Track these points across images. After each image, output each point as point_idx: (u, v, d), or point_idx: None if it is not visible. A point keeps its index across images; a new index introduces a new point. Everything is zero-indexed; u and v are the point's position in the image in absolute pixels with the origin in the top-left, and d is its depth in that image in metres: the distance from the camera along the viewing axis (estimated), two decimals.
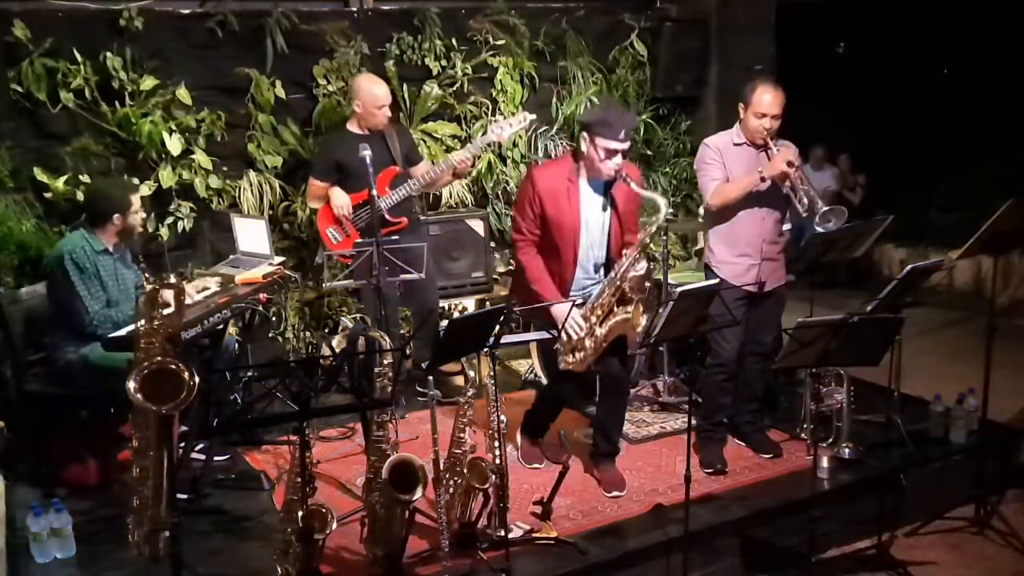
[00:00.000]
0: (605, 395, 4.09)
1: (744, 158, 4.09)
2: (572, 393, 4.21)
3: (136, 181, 5.15)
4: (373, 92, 4.73)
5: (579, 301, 3.81)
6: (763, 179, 3.97)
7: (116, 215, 4.02)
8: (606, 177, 3.78)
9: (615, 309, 3.76)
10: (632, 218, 3.96)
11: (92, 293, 3.93)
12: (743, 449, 4.37)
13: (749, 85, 4.09)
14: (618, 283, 3.75)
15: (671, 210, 4.13)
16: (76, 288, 3.89)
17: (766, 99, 3.99)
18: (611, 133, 3.68)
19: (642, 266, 3.74)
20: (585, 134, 3.76)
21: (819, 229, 3.94)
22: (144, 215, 4.17)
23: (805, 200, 3.93)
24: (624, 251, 3.82)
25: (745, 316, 4.08)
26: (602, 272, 3.96)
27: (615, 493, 4.00)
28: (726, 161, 4.09)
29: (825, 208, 3.87)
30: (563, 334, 3.77)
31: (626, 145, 3.73)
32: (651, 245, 3.78)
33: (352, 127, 4.82)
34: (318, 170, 4.88)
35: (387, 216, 4.73)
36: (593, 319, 3.76)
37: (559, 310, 3.77)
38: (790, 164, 3.93)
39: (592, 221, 3.87)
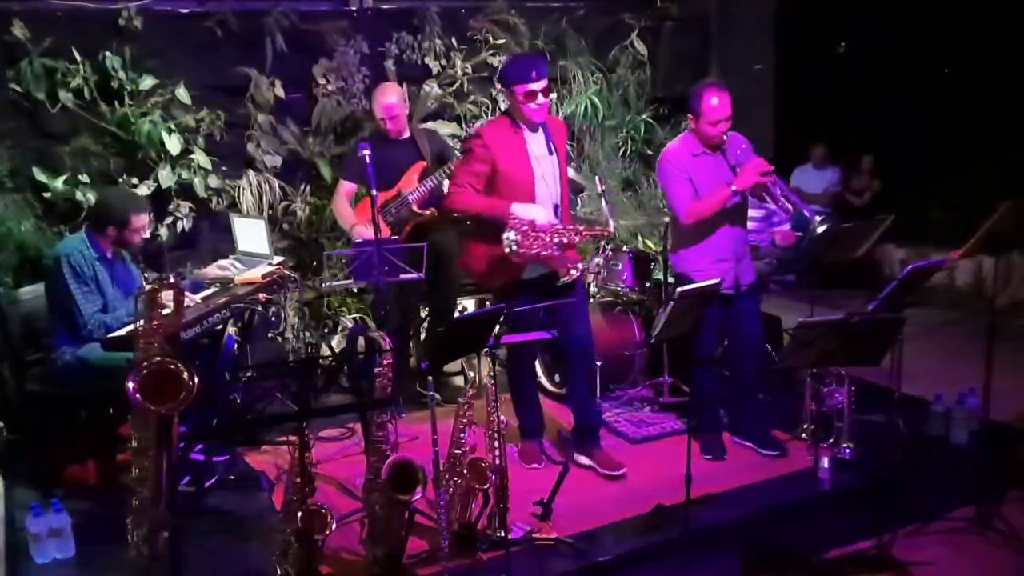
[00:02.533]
0: (573, 364, 4.14)
1: (708, 168, 4.04)
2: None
3: (135, 181, 5.16)
4: (377, 101, 4.84)
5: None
6: (735, 193, 3.92)
7: (111, 227, 4.00)
8: (536, 120, 3.84)
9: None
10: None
11: (87, 297, 3.91)
12: (743, 449, 4.36)
13: (694, 94, 3.98)
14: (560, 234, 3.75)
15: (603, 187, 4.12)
16: (71, 291, 3.88)
17: (714, 103, 3.91)
18: (524, 75, 3.75)
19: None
20: (503, 88, 3.87)
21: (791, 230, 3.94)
22: (146, 235, 4.11)
23: (788, 205, 3.91)
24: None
25: (725, 314, 4.07)
26: (559, 212, 3.97)
27: (623, 471, 4.03)
28: (691, 174, 4.03)
29: (819, 219, 3.89)
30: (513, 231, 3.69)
31: (543, 84, 3.76)
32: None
33: (384, 131, 4.88)
34: (347, 172, 4.94)
35: (415, 208, 4.77)
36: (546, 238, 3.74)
37: (520, 208, 3.73)
38: (763, 175, 3.87)
39: (542, 164, 3.90)
